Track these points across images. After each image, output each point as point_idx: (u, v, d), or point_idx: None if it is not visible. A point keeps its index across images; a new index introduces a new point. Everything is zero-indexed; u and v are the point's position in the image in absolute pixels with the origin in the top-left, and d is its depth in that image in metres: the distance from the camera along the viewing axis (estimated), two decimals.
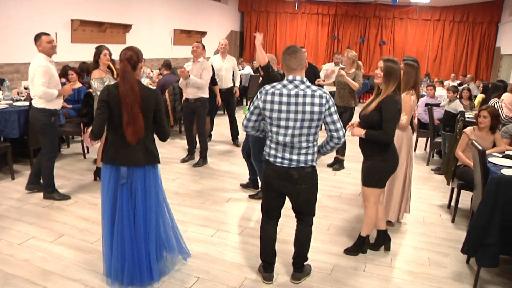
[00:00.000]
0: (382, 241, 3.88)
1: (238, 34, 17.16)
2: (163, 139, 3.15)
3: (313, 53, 16.33)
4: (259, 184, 5.02)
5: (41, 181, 4.77)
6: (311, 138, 2.97)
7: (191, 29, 13.04)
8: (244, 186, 5.31)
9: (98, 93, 5.02)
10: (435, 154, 7.15)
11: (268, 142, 3.07)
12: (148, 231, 3.06)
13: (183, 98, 6.30)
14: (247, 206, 4.77)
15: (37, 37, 4.38)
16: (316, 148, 3.05)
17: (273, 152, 3.02)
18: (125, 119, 2.85)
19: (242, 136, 7.05)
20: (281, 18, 16.72)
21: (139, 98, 2.86)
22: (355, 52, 6.39)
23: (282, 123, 2.91)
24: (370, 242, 3.88)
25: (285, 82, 2.94)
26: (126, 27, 10.27)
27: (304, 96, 2.87)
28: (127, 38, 10.44)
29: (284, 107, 2.88)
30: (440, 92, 9.19)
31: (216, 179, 5.56)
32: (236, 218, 4.44)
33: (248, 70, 11.47)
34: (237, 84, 8.08)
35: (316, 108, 2.86)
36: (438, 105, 7.33)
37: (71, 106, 6.39)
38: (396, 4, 13.59)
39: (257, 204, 4.67)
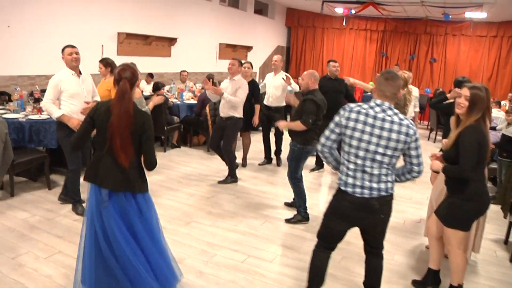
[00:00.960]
0: (431, 281, 3.51)
1: (285, 49, 17.03)
2: (148, 167, 2.85)
3: (360, 69, 15.96)
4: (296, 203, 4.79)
5: None
6: (390, 166, 2.72)
7: (237, 43, 13.01)
8: (289, 204, 5.08)
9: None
10: (489, 181, 6.63)
11: (344, 169, 2.76)
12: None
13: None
14: (283, 230, 4.50)
15: (62, 50, 4.45)
16: (394, 176, 2.79)
17: (351, 180, 2.72)
18: (118, 143, 2.66)
19: (284, 155, 6.85)
20: (328, 33, 16.45)
21: (131, 122, 2.67)
22: (407, 75, 5.94)
23: (363, 145, 2.65)
24: (417, 279, 3.55)
25: (372, 103, 2.69)
26: (171, 40, 10.33)
27: (392, 122, 2.62)
28: (172, 51, 10.50)
29: (368, 129, 2.63)
30: (496, 113, 8.62)
31: (252, 200, 5.32)
32: (269, 243, 4.18)
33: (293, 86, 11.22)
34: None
35: (402, 137, 2.62)
36: (494, 128, 6.82)
37: None
38: (449, 20, 13.00)
39: (293, 229, 4.47)
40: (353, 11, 13.65)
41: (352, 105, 2.73)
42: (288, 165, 4.70)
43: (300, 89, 5.44)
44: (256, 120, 6.60)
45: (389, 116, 2.64)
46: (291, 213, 4.89)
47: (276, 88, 6.73)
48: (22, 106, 5.78)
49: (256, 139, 8.70)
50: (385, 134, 2.61)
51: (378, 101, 2.68)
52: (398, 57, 15.48)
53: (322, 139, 2.83)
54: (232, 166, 5.94)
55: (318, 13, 15.60)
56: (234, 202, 5.22)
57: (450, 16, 12.39)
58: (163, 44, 10.17)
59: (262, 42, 14.71)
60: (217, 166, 6.61)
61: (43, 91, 6.46)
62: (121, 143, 2.65)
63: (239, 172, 6.21)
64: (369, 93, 12.32)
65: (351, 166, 2.71)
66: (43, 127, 5.15)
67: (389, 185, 2.74)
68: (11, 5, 6.82)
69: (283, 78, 6.55)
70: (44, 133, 5.17)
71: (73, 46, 4.44)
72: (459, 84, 4.59)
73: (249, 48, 13.62)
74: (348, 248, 3.95)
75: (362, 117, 2.64)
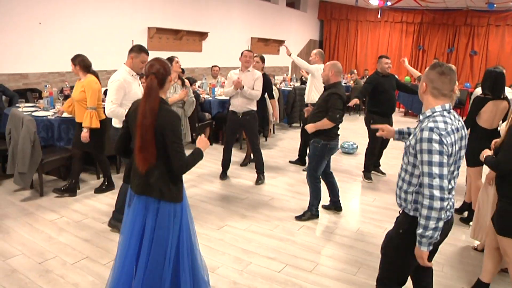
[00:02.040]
0: None
1: (317, 43, 16.61)
2: (176, 171, 2.50)
3: (395, 64, 15.29)
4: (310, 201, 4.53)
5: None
6: None
7: (269, 37, 12.70)
8: (325, 207, 4.80)
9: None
10: None
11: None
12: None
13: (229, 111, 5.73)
14: (321, 236, 4.20)
15: (134, 51, 3.96)
16: None
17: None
18: (138, 144, 2.42)
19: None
20: (362, 26, 15.94)
21: (155, 120, 2.40)
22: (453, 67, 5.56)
23: (457, 164, 2.25)
24: None
25: (445, 113, 2.18)
26: (202, 35, 10.12)
27: (463, 128, 2.27)
28: (203, 46, 10.29)
29: (457, 146, 2.18)
30: None
31: (288, 202, 5.03)
32: (308, 250, 3.88)
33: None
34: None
35: (463, 142, 2.27)
36: None
37: None
38: (493, 10, 12.28)
39: (332, 234, 4.15)
40: (388, 3, 13.14)
41: (441, 125, 2.11)
42: (308, 162, 4.48)
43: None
44: (276, 115, 6.22)
45: (459, 120, 2.26)
46: (329, 216, 4.61)
47: (311, 84, 6.34)
48: (52, 104, 5.67)
49: (290, 135, 8.46)
50: (462, 143, 2.26)
51: (447, 106, 2.20)
52: (435, 50, 14.83)
53: (444, 182, 2.08)
54: (262, 163, 5.71)
55: (351, 5, 15.14)
56: (269, 204, 4.95)
57: (495, 5, 11.71)
58: (194, 39, 9.97)
59: (294, 36, 14.35)
60: (251, 165, 6.36)
61: (72, 88, 6.38)
62: (141, 144, 2.40)
63: (274, 173, 5.95)
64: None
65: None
66: (72, 125, 5.00)
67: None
68: (42, 3, 6.73)
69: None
70: (73, 131, 5.02)
71: (147, 53, 4.02)
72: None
73: (281, 42, 13.28)
74: None
75: (457, 135, 2.18)
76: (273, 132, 8.71)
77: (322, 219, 4.54)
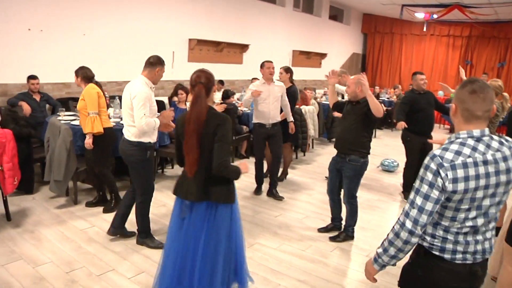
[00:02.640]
0: None
1: (360, 56, 16.33)
2: (215, 169, 2.61)
3: (441, 79, 14.86)
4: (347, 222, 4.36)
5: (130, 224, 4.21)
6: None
7: (311, 50, 12.58)
8: (323, 230, 4.54)
9: None
10: None
11: (440, 232, 1.90)
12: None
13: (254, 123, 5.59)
14: (355, 260, 3.97)
15: (160, 63, 3.80)
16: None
17: (452, 246, 1.89)
18: (185, 149, 2.66)
19: None
20: (407, 40, 15.56)
21: (201, 128, 2.60)
22: (500, 82, 5.27)
23: (486, 202, 1.83)
24: None
25: (470, 141, 1.81)
26: (243, 47, 10.11)
27: (505, 159, 1.83)
28: (243, 58, 10.29)
29: (482, 182, 1.78)
30: None
31: (322, 221, 4.80)
32: (340, 274, 3.67)
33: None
34: None
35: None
36: None
37: None
38: None
39: (367, 258, 3.87)
40: (435, 16, 12.76)
41: (448, 155, 1.79)
42: (346, 183, 4.16)
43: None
44: (293, 127, 6.00)
45: (499, 151, 1.83)
46: (364, 239, 4.38)
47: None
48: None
49: (329, 151, 8.24)
50: (503, 178, 1.82)
51: (477, 132, 1.81)
52: (485, 65, 14.29)
53: (422, 217, 1.82)
54: (277, 171, 5.68)
55: (396, 18, 14.82)
56: (303, 222, 4.77)
57: None
58: (234, 51, 9.98)
59: (337, 49, 14.16)
60: (289, 180, 6.22)
61: (112, 97, 6.46)
62: (188, 148, 2.61)
63: (310, 189, 5.77)
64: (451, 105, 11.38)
65: (460, 230, 1.87)
66: None
67: (493, 241, 1.97)
68: (86, 14, 6.90)
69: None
70: None
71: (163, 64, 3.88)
72: None
73: (323, 56, 13.13)
74: None
75: (472, 171, 1.77)
76: (312, 147, 8.53)
77: (357, 241, 4.31)
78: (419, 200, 1.83)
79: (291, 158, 6.57)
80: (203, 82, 2.67)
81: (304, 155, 7.96)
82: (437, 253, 1.91)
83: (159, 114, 3.91)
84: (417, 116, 5.44)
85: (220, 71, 9.14)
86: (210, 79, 2.73)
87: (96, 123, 4.42)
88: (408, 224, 1.85)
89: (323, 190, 5.90)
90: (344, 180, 4.17)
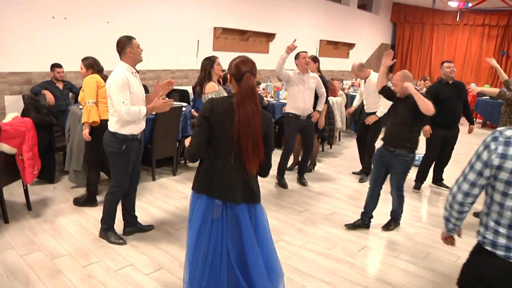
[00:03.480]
0: None
1: (389, 47, 15.85)
2: (263, 173, 2.49)
3: (474, 70, 14.34)
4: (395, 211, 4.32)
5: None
6: None
7: (338, 40, 12.24)
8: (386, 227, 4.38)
9: None
10: None
11: (492, 223, 1.82)
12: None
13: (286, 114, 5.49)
14: (383, 260, 3.73)
15: (126, 41, 3.54)
16: None
17: (505, 242, 1.77)
18: (250, 147, 2.30)
19: None
20: (439, 30, 15.01)
21: (261, 122, 2.33)
22: None
23: None
24: None
25: None
26: (270, 36, 9.89)
27: None
28: (270, 47, 10.06)
29: None
30: None
31: (350, 217, 4.56)
32: (367, 276, 3.45)
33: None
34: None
35: None
36: None
37: None
38: None
39: (396, 259, 3.68)
40: (469, 4, 12.20)
41: (508, 132, 1.75)
42: (396, 178, 4.09)
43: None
44: (323, 121, 5.79)
45: None
46: (393, 238, 4.15)
47: (368, 95, 5.85)
48: None
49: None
50: None
51: None
52: None
53: (465, 186, 1.86)
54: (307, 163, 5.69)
55: (427, 7, 14.31)
56: (329, 219, 4.55)
57: None
58: (260, 40, 9.76)
59: (365, 39, 13.77)
60: (315, 174, 6.01)
61: None
62: (253, 146, 2.30)
63: (336, 184, 5.56)
64: (484, 98, 10.92)
65: (505, 221, 1.78)
66: None
67: None
68: (110, 2, 6.79)
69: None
70: None
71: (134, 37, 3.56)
72: None
73: (351, 46, 12.78)
74: None
75: None
76: (339, 140, 8.27)
77: (386, 240, 4.09)
78: (467, 169, 1.88)
79: (318, 149, 6.36)
80: (249, 71, 2.36)
81: (331, 147, 7.72)
82: (489, 249, 1.82)
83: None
84: (441, 107, 5.06)
85: None
86: (254, 68, 2.41)
87: (92, 113, 4.18)
88: (454, 188, 1.93)
89: (350, 184, 5.70)
90: (393, 175, 4.12)
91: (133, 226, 3.93)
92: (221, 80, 4.89)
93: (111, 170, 3.69)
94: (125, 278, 3.17)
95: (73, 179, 4.69)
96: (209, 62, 4.28)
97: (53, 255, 3.44)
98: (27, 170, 4.07)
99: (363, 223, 4.29)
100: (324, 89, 5.51)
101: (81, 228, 3.96)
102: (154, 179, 5.39)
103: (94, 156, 4.39)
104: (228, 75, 2.43)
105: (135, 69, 3.57)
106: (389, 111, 4.43)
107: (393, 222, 4.33)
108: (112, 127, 3.51)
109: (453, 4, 12.23)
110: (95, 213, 4.28)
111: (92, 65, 4.49)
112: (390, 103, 4.69)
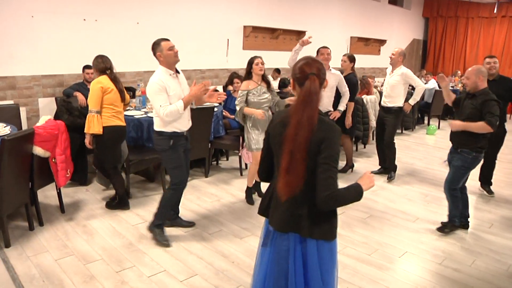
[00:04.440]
0: None
1: (421, 42, 15.45)
2: (319, 202, 1.88)
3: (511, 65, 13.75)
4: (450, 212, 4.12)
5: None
6: None
7: (369, 36, 11.97)
8: (441, 229, 4.19)
9: (237, 108, 4.42)
10: None
11: None
12: None
13: None
14: (425, 267, 3.53)
15: (155, 44, 3.55)
16: None
17: None
18: (284, 164, 1.89)
19: (398, 170, 5.86)
20: (474, 23, 14.46)
21: (311, 133, 1.86)
22: None
23: None
24: None
25: None
26: (300, 34, 9.71)
27: None
28: None
29: None
30: None
31: (388, 221, 4.42)
32: (408, 283, 3.26)
33: (432, 84, 9.87)
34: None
35: None
36: None
37: (233, 116, 5.93)
38: None
39: (440, 266, 3.49)
40: None
41: None
42: (451, 172, 3.99)
43: (464, 89, 4.23)
44: (350, 120, 5.65)
45: None
46: (437, 243, 3.95)
47: (392, 87, 5.55)
48: (144, 103, 5.61)
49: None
50: None
51: None
52: None
53: None
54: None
55: (462, 0, 13.81)
56: (366, 222, 4.39)
57: None
58: (290, 38, 9.61)
59: (396, 35, 13.43)
60: (349, 175, 5.85)
61: None
62: (290, 161, 1.87)
63: (376, 183, 5.38)
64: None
65: None
66: None
67: None
68: (140, 3, 6.79)
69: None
70: None
71: (168, 39, 3.57)
72: None
73: (382, 42, 12.48)
74: None
75: None
76: (373, 139, 8.04)
77: (428, 245, 3.89)
78: None
79: (352, 149, 6.16)
80: (316, 74, 1.93)
81: (365, 147, 7.51)
82: None
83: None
84: None
85: (276, 59, 8.81)
86: (322, 69, 1.98)
87: (94, 123, 4.05)
88: None
89: (386, 185, 5.50)
90: (450, 169, 4.02)
91: (173, 221, 4.00)
92: (271, 81, 4.80)
93: (166, 169, 3.78)
94: (159, 284, 3.10)
95: (100, 181, 4.67)
96: (250, 61, 4.41)
97: (86, 260, 3.41)
98: (60, 173, 4.05)
99: (454, 225, 4.17)
100: (347, 88, 5.38)
101: (113, 232, 3.92)
102: (206, 176, 5.35)
103: (107, 163, 4.32)
104: (291, 80, 2.06)
105: (176, 69, 3.60)
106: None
107: (449, 225, 4.14)
108: (157, 126, 3.61)
109: None
110: (128, 217, 4.25)
111: (103, 69, 4.22)
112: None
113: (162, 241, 3.71)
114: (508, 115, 5.21)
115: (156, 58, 3.54)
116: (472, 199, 5.15)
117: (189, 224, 4.08)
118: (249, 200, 4.75)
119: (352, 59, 5.68)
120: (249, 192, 4.77)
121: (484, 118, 3.68)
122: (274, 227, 2.06)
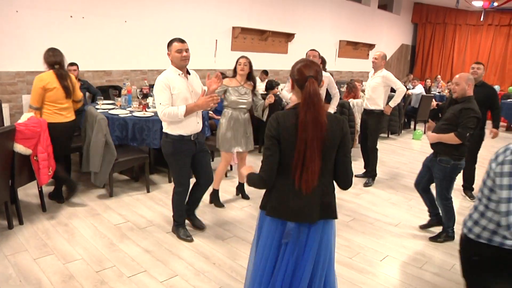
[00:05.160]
0: None
1: (410, 48, 15.59)
2: (344, 186, 2.24)
3: (498, 72, 13.94)
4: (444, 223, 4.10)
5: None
6: None
7: (358, 40, 12.05)
8: (424, 227, 4.32)
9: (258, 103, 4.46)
10: None
11: None
12: None
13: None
14: (406, 271, 3.55)
15: (168, 44, 3.62)
16: None
17: None
18: (295, 160, 2.06)
19: (383, 175, 5.88)
20: (461, 30, 14.66)
21: (323, 133, 2.05)
22: None
23: None
24: None
25: None
26: (289, 36, 9.76)
27: None
28: (289, 47, 9.93)
29: None
30: None
31: (371, 224, 4.44)
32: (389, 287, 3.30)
33: (419, 89, 9.96)
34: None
35: None
36: None
37: (219, 117, 5.89)
38: None
39: (420, 270, 3.51)
40: (495, 4, 11.85)
41: None
42: (437, 184, 3.96)
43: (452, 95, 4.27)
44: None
45: None
46: (418, 248, 3.98)
47: (373, 89, 5.58)
48: (129, 102, 5.57)
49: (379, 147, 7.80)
50: None
51: None
52: None
53: None
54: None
55: (450, 7, 14.00)
56: (349, 225, 4.40)
57: None
58: (279, 40, 9.64)
59: (385, 40, 13.53)
60: None
61: (151, 86, 6.28)
62: (309, 159, 2.04)
63: (357, 189, 5.41)
64: (510, 100, 10.61)
65: None
66: (147, 125, 4.82)
67: None
68: (128, 1, 6.75)
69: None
70: (147, 132, 4.83)
71: (182, 41, 3.54)
72: None
73: (371, 46, 12.57)
74: None
75: None
76: (358, 142, 8.08)
77: (409, 249, 3.92)
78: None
79: None
80: (314, 76, 2.08)
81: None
82: None
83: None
84: None
85: (264, 60, 8.85)
86: (320, 71, 2.14)
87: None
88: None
89: (370, 189, 5.52)
90: (435, 181, 4.00)
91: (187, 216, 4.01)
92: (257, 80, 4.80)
93: (173, 172, 3.78)
94: (139, 285, 3.07)
95: (95, 180, 4.63)
96: (236, 60, 4.47)
97: (66, 259, 3.37)
98: (42, 171, 4.00)
99: (433, 221, 4.26)
100: (337, 90, 5.37)
101: (95, 232, 3.88)
102: (170, 181, 5.29)
103: (55, 153, 4.25)
104: (290, 81, 2.18)
105: (187, 70, 3.58)
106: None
107: (443, 234, 4.10)
108: (164, 127, 3.63)
109: (478, 4, 11.91)
110: (110, 216, 4.21)
111: (52, 63, 4.17)
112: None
113: (185, 238, 3.79)
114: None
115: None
116: (454, 204, 5.22)
117: (200, 226, 4.03)
118: (218, 203, 4.65)
119: (322, 60, 5.66)
120: (217, 195, 4.67)
121: (458, 128, 3.68)
122: (310, 221, 2.17)
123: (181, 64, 3.50)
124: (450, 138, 3.70)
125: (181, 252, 3.59)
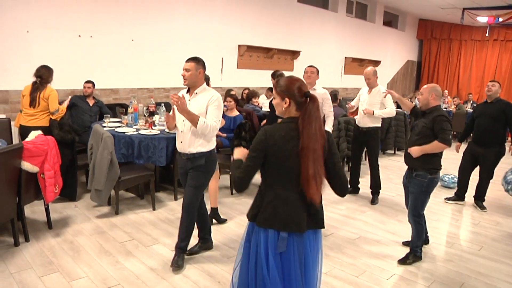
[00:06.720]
0: None
1: (415, 64, 15.62)
2: (342, 193, 2.30)
3: (505, 88, 13.86)
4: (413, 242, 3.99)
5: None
6: None
7: (364, 57, 12.10)
8: (407, 243, 4.28)
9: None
10: None
11: None
12: None
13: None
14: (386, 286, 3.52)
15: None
16: None
17: None
18: (310, 171, 2.10)
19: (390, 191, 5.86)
20: (467, 46, 14.69)
21: (323, 143, 2.17)
22: None
23: None
24: None
25: None
26: (294, 54, 9.82)
27: None
28: (294, 65, 9.98)
29: None
30: None
31: (377, 242, 4.40)
32: None
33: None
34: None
35: None
36: None
37: (225, 135, 5.93)
38: None
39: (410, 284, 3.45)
40: (500, 19, 11.89)
41: None
42: (412, 199, 3.87)
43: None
44: None
45: None
46: (425, 265, 3.92)
47: (372, 107, 5.45)
48: (136, 120, 5.60)
49: (383, 163, 7.75)
50: None
51: None
52: None
53: None
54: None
55: (455, 23, 14.05)
56: (356, 243, 4.35)
57: None
58: (285, 57, 9.70)
59: (391, 56, 13.58)
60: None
61: (158, 104, 6.33)
62: (314, 170, 2.11)
63: (365, 206, 5.37)
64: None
65: None
66: (152, 143, 4.83)
67: None
68: (135, 20, 6.84)
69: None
70: (153, 150, 4.84)
71: (186, 60, 3.65)
72: None
73: (377, 63, 12.60)
74: None
75: None
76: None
77: (416, 268, 3.87)
78: None
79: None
80: (309, 92, 2.23)
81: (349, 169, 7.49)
82: None
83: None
84: (475, 124, 5.51)
85: (270, 78, 8.88)
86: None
87: (16, 119, 5.13)
88: None
89: (377, 207, 5.48)
90: (409, 196, 3.92)
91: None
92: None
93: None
94: None
95: (94, 198, 4.63)
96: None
97: (71, 277, 3.36)
98: (48, 189, 4.02)
99: (416, 255, 4.02)
100: (331, 109, 5.10)
101: (100, 250, 3.87)
102: (176, 199, 5.29)
103: None
104: (287, 99, 2.20)
105: (194, 90, 3.58)
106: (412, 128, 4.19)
107: (411, 256, 3.95)
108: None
109: (483, 20, 11.97)
110: (116, 234, 4.21)
111: (35, 75, 4.99)
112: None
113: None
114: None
115: None
116: (462, 220, 5.17)
117: (207, 246, 4.01)
118: (219, 219, 4.64)
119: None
120: (217, 212, 4.64)
121: (437, 136, 3.64)
122: (296, 231, 2.19)
123: (184, 83, 3.55)
124: (434, 147, 3.66)
125: (186, 271, 3.57)
